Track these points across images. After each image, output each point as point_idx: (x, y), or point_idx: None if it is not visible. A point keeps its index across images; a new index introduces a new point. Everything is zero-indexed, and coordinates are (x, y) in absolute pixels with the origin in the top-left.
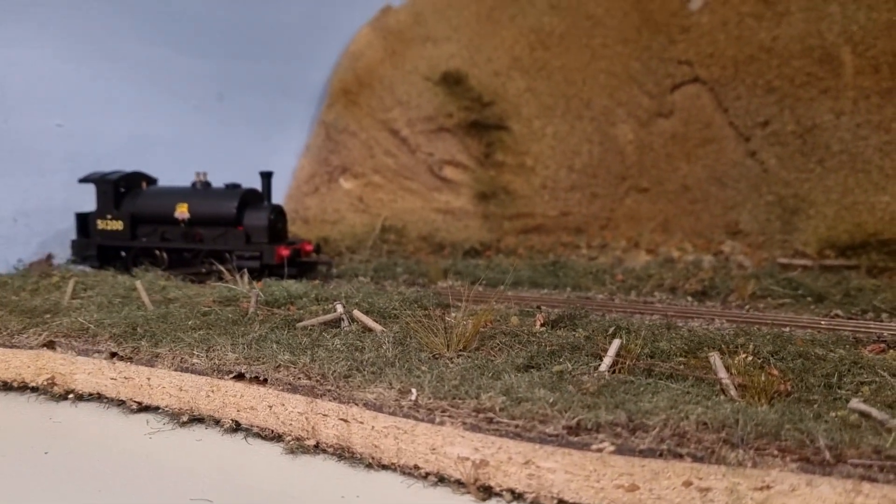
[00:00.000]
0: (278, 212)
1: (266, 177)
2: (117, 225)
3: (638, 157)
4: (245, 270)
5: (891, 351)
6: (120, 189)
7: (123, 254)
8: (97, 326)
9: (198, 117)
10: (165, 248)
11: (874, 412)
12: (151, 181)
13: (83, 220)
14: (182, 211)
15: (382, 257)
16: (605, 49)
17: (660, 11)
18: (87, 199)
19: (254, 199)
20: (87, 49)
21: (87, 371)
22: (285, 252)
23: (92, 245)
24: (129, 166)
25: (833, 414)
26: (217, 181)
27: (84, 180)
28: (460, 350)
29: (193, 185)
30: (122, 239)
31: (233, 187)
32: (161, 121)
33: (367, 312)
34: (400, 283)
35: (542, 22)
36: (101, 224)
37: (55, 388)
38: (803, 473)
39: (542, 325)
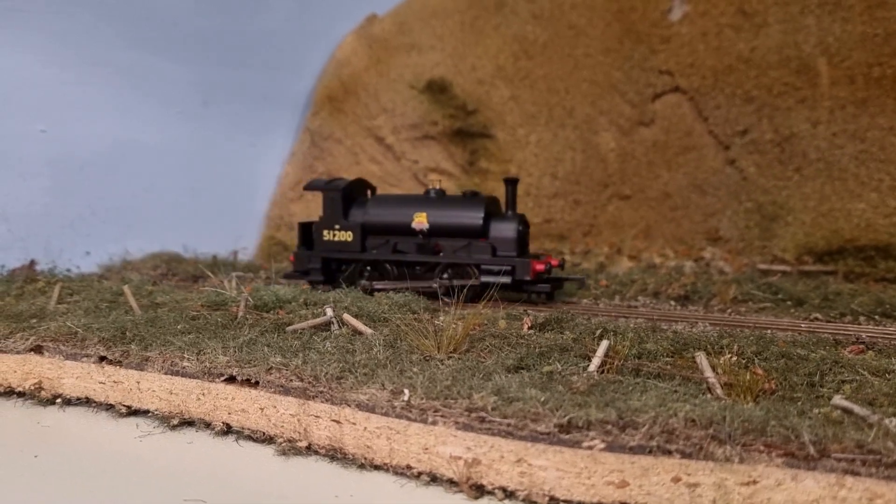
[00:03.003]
0: (524, 222)
1: (511, 184)
2: (346, 236)
3: (620, 165)
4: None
5: (869, 352)
6: (348, 197)
7: (344, 267)
8: (85, 331)
9: (182, 123)
10: (398, 262)
11: (856, 408)
12: (373, 189)
13: (307, 231)
14: (420, 221)
15: None
16: (587, 58)
17: (641, 22)
18: (68, 205)
19: (496, 208)
20: (70, 54)
21: (75, 375)
22: (540, 267)
23: (316, 258)
24: (113, 172)
25: (816, 411)
26: (205, 187)
27: (309, 188)
28: (451, 352)
29: (427, 192)
30: (350, 251)
31: (472, 195)
32: (145, 126)
33: (356, 316)
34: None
35: (526, 31)
36: (327, 235)
37: (42, 392)
38: (788, 468)
39: (529, 328)
